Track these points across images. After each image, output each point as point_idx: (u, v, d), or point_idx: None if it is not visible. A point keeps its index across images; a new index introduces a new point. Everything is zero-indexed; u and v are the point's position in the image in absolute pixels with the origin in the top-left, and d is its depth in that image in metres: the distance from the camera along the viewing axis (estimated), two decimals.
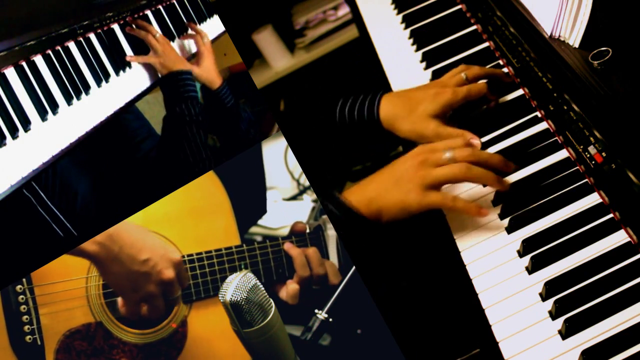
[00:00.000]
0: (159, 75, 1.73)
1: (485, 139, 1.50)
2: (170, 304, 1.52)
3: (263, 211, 1.73)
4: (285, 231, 1.65)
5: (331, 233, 1.62)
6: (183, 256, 1.54)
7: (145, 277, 1.49)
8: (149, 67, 1.73)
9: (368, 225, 1.39)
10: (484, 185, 1.42)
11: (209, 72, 1.77)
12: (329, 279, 1.60)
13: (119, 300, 1.50)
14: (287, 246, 1.59)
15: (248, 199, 1.70)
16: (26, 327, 1.44)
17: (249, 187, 1.72)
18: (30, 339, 1.44)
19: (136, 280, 1.49)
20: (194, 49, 1.81)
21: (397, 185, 1.36)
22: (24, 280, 1.44)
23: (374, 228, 1.39)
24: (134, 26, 1.75)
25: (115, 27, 1.71)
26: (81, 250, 1.46)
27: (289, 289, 1.58)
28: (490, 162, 1.35)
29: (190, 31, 1.85)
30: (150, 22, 1.79)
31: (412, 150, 1.41)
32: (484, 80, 1.54)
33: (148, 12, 1.80)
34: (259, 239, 1.64)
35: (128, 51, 1.72)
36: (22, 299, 1.44)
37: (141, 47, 1.75)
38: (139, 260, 1.49)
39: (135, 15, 1.76)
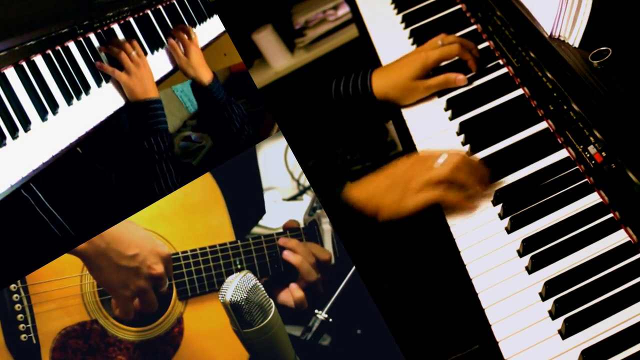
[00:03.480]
0: (127, 99, 1.63)
1: (485, 139, 1.51)
2: (159, 296, 1.52)
3: (261, 211, 1.73)
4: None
5: (326, 227, 1.62)
6: (177, 253, 1.54)
7: (135, 272, 1.49)
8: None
9: (366, 221, 1.44)
10: None
11: (197, 67, 1.73)
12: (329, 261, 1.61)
13: (113, 302, 1.49)
14: (286, 254, 1.59)
15: (243, 198, 1.69)
16: (21, 326, 1.44)
17: (244, 187, 1.71)
18: (25, 337, 1.44)
19: (125, 276, 1.48)
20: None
21: (393, 188, 1.42)
22: None
23: (372, 225, 1.44)
24: (107, 45, 1.65)
25: (116, 27, 1.71)
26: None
27: (295, 296, 1.58)
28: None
29: (175, 29, 1.79)
30: (150, 22, 1.79)
31: (410, 156, 1.48)
32: (457, 44, 1.65)
33: (148, 12, 1.80)
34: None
35: None
36: (17, 297, 1.44)
37: (141, 48, 1.74)
38: (127, 255, 1.49)
39: (136, 16, 1.76)
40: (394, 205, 1.42)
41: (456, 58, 1.66)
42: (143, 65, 1.63)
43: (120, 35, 1.71)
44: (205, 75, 1.73)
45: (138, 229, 1.52)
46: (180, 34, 1.77)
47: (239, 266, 1.57)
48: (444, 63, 1.66)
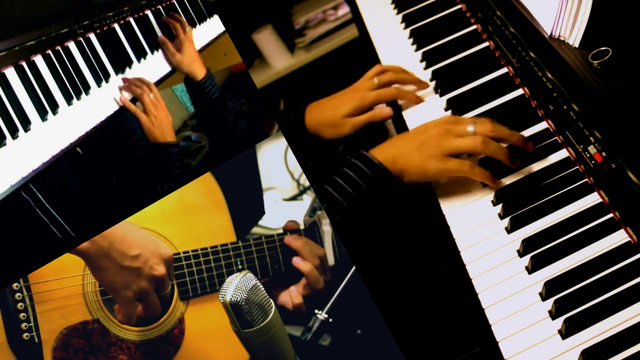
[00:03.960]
0: (146, 136, 1.61)
1: None
2: (161, 299, 1.51)
3: (260, 211, 1.73)
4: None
5: (326, 229, 1.62)
6: (178, 253, 1.54)
7: (137, 273, 1.48)
8: (149, 68, 1.73)
9: (392, 181, 1.46)
10: (484, 186, 1.42)
11: (191, 62, 1.71)
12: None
13: (115, 306, 1.49)
14: (296, 261, 1.59)
15: (243, 199, 1.69)
16: (23, 325, 1.44)
17: (244, 187, 1.71)
18: (27, 336, 1.44)
19: (128, 277, 1.48)
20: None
21: (419, 150, 1.44)
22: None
23: (397, 185, 1.46)
24: (128, 82, 1.65)
25: (116, 27, 1.71)
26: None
27: (294, 302, 1.57)
28: (510, 138, 1.42)
29: (171, 20, 1.76)
30: (150, 22, 1.79)
31: (438, 119, 1.49)
32: (396, 85, 1.67)
33: (148, 12, 1.80)
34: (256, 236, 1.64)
35: (129, 51, 1.72)
36: (19, 296, 1.44)
37: (141, 48, 1.75)
38: (129, 255, 1.48)
39: (136, 16, 1.76)
40: (422, 167, 1.43)
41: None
42: (161, 108, 1.62)
43: (121, 35, 1.71)
44: (199, 71, 1.72)
45: (140, 230, 1.52)
46: (175, 26, 1.74)
47: (240, 266, 1.58)
48: None
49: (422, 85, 1.68)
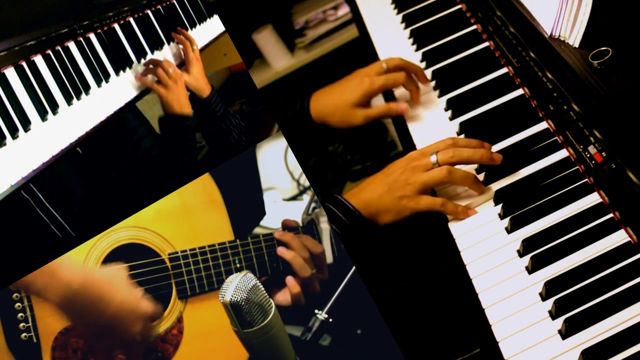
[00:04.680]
0: (163, 110, 1.67)
1: (485, 139, 1.51)
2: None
3: (260, 211, 1.73)
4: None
5: (324, 226, 1.62)
6: (177, 252, 1.54)
7: (110, 332, 1.45)
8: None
9: (367, 225, 1.45)
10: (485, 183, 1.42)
11: (198, 80, 1.73)
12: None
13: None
14: (280, 250, 1.59)
15: (242, 198, 1.69)
16: (21, 325, 1.44)
17: (244, 187, 1.71)
18: (25, 337, 1.44)
19: (102, 335, 1.46)
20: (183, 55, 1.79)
21: (390, 192, 1.43)
22: None
23: (373, 229, 1.46)
24: (148, 61, 1.70)
25: (116, 27, 1.71)
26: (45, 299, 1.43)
27: (293, 291, 1.57)
28: (473, 158, 1.42)
29: (180, 37, 1.78)
30: (150, 22, 1.79)
31: (405, 156, 1.48)
32: (403, 71, 1.64)
33: (148, 12, 1.80)
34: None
35: (129, 51, 1.72)
36: (17, 297, 1.44)
37: (141, 48, 1.75)
38: (105, 316, 1.45)
39: (136, 16, 1.76)
40: (394, 209, 1.43)
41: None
42: (181, 82, 1.66)
43: (121, 35, 1.71)
44: (205, 89, 1.73)
45: (121, 283, 1.49)
46: (184, 44, 1.76)
47: (238, 265, 1.57)
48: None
49: (425, 79, 1.67)
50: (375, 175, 1.49)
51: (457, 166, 1.42)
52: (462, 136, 1.54)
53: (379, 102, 1.72)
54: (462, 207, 1.39)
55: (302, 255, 1.58)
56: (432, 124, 1.62)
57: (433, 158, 1.42)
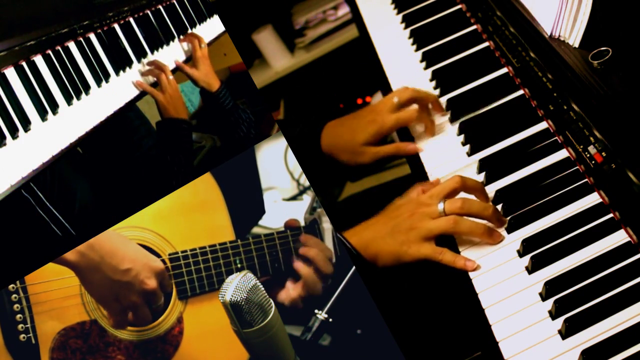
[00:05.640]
0: (160, 114, 1.72)
1: (485, 139, 1.51)
2: (154, 311, 1.52)
3: (260, 211, 1.73)
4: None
5: (327, 226, 1.62)
6: (177, 252, 1.54)
7: (128, 286, 1.48)
8: (149, 68, 1.73)
9: (366, 265, 1.44)
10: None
11: (207, 76, 1.77)
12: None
13: (105, 312, 1.49)
14: (297, 266, 1.58)
15: (243, 198, 1.69)
16: (20, 326, 1.44)
17: (244, 187, 1.71)
18: (24, 337, 1.44)
19: (118, 290, 1.47)
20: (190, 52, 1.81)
21: (392, 235, 1.41)
22: None
23: (371, 269, 1.44)
24: (149, 63, 1.75)
25: (116, 27, 1.71)
26: (62, 259, 1.45)
27: (292, 295, 1.57)
28: (483, 214, 1.36)
29: (188, 35, 1.84)
30: (150, 22, 1.79)
31: (408, 197, 1.45)
32: (415, 106, 1.60)
33: (148, 12, 1.80)
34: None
35: (129, 51, 1.72)
36: (15, 298, 1.44)
37: (141, 48, 1.75)
38: (120, 270, 1.48)
39: (136, 16, 1.76)
40: (395, 254, 1.40)
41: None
42: (176, 88, 1.73)
43: (121, 35, 1.71)
44: (214, 84, 1.77)
45: (131, 242, 1.52)
46: (192, 43, 1.81)
47: (239, 265, 1.57)
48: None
49: (440, 108, 1.63)
50: (381, 214, 1.47)
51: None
52: (462, 137, 1.54)
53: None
54: (460, 258, 1.35)
55: (318, 272, 1.58)
56: None
57: (440, 206, 1.38)
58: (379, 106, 1.64)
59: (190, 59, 1.81)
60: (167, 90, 1.71)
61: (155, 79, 1.73)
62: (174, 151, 1.70)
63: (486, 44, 1.69)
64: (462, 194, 1.40)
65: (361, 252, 1.43)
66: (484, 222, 1.35)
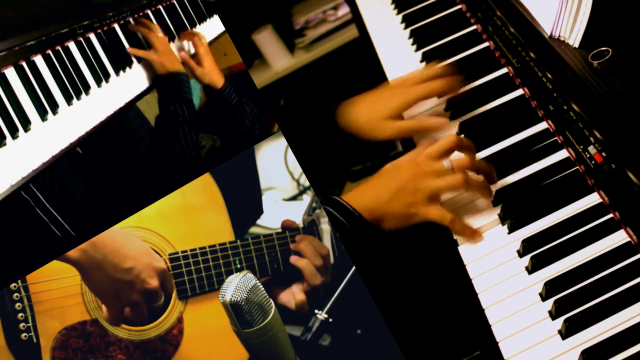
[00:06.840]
0: (157, 73, 1.72)
1: (485, 139, 1.51)
2: (153, 310, 1.52)
3: (259, 211, 1.73)
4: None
5: (325, 227, 1.62)
6: (177, 252, 1.54)
7: (129, 285, 1.48)
8: (148, 68, 1.73)
9: (370, 229, 1.39)
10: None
11: (211, 72, 1.77)
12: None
13: (103, 307, 1.49)
14: (294, 259, 1.58)
15: (242, 198, 1.70)
16: (21, 325, 1.44)
17: (243, 187, 1.72)
18: (25, 337, 1.44)
19: (119, 288, 1.48)
20: (192, 50, 1.81)
21: (398, 197, 1.37)
22: None
23: (376, 232, 1.40)
24: (135, 23, 1.74)
25: (116, 27, 1.71)
26: (64, 257, 1.45)
27: (297, 299, 1.56)
28: (488, 171, 1.38)
29: (188, 33, 1.83)
30: (151, 22, 1.79)
31: (412, 156, 1.41)
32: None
33: (148, 12, 1.80)
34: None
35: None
36: (17, 297, 1.44)
37: (141, 48, 1.75)
38: (122, 268, 1.47)
39: (136, 15, 1.76)
40: (402, 216, 1.37)
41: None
42: (167, 44, 1.74)
43: (121, 35, 1.71)
44: (218, 80, 1.77)
45: (136, 240, 1.52)
46: (194, 40, 1.80)
47: (238, 266, 1.58)
48: None
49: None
50: (377, 177, 1.41)
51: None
52: (462, 136, 1.54)
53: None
54: (471, 229, 1.33)
55: (314, 263, 1.57)
56: None
57: (447, 163, 1.35)
58: (404, 78, 1.56)
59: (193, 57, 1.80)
60: (159, 48, 1.71)
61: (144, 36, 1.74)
62: (175, 101, 1.70)
63: (486, 44, 1.69)
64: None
65: (365, 215, 1.37)
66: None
